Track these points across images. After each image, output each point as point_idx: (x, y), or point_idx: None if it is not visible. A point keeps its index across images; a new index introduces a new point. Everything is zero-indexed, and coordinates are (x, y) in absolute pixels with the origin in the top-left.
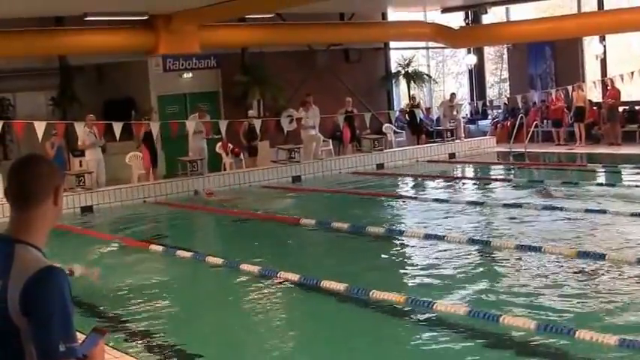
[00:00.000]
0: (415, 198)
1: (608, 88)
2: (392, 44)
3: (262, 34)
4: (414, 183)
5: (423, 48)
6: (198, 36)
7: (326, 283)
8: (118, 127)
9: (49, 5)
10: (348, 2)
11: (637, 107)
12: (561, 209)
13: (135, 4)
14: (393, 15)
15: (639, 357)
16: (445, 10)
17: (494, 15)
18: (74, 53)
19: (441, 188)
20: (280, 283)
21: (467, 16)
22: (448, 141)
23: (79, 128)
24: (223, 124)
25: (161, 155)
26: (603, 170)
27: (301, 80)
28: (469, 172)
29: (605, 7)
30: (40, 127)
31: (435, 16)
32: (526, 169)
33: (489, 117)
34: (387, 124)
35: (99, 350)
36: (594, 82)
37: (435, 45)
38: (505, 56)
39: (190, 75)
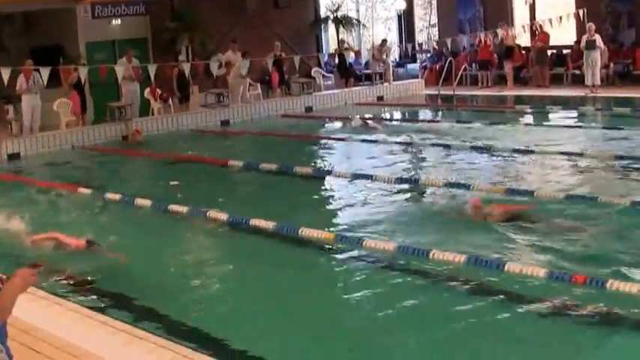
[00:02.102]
0: (343, 139)
1: (537, 32)
2: None
3: None
4: (342, 125)
5: None
6: None
7: (255, 222)
8: (45, 73)
9: None
10: None
11: (565, 51)
12: (488, 149)
13: None
14: None
15: (567, 289)
16: None
17: None
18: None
19: (369, 129)
20: (209, 222)
21: None
22: (377, 84)
23: (6, 75)
24: (152, 68)
25: (90, 101)
26: (531, 111)
27: (230, 26)
28: (397, 114)
29: None
30: None
31: None
32: (454, 111)
33: (418, 61)
34: (315, 68)
35: (19, 279)
36: (523, 27)
37: None
38: (434, 1)
39: (119, 22)
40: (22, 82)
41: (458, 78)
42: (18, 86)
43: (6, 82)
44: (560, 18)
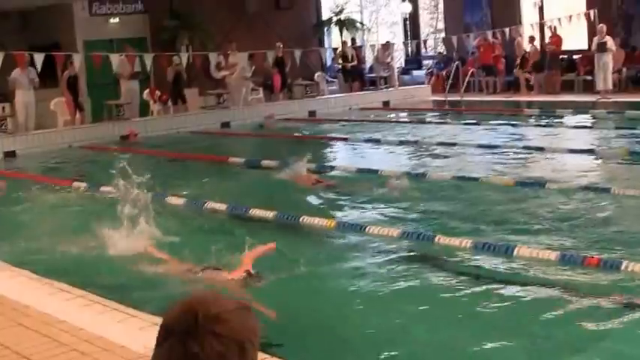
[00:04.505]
0: (346, 139)
1: (550, 35)
2: None
3: None
4: (346, 127)
5: None
6: None
7: (255, 212)
8: (39, 59)
9: None
10: None
11: (575, 56)
12: (497, 147)
13: None
14: None
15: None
16: None
17: None
18: None
19: (374, 131)
20: (209, 213)
21: None
22: (382, 89)
23: None
24: (149, 59)
25: (87, 101)
26: (541, 115)
27: (231, 26)
28: (403, 117)
29: None
30: None
31: None
32: (461, 114)
33: (424, 68)
34: (318, 72)
35: None
36: (532, 25)
37: None
38: (440, 5)
39: (117, 20)
40: (16, 75)
41: (465, 83)
42: (12, 79)
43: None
44: (570, 17)
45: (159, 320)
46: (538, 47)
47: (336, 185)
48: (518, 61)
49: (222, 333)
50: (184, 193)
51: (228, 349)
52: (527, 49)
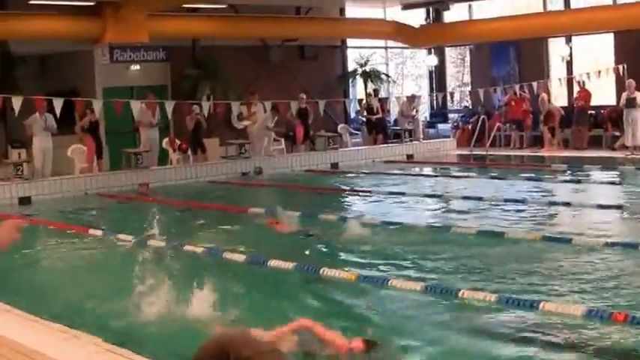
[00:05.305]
0: (370, 192)
1: (579, 89)
2: (349, 42)
3: (213, 26)
4: (369, 180)
5: (381, 47)
6: (147, 25)
7: (273, 262)
8: (58, 105)
9: None
10: None
11: (603, 111)
12: (523, 202)
13: None
14: (352, 11)
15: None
16: (406, 7)
17: (456, 13)
18: (16, 38)
19: (397, 184)
20: (227, 263)
21: (428, 14)
22: (406, 141)
23: (17, 104)
24: (169, 106)
25: (106, 149)
26: (568, 170)
27: (254, 76)
28: (427, 171)
29: (572, 6)
30: None
31: (395, 13)
32: (487, 169)
33: (449, 121)
34: (342, 124)
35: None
36: (560, 80)
37: (394, 45)
38: (467, 59)
39: (138, 67)
40: (34, 120)
41: (491, 138)
42: (29, 124)
43: (17, 112)
44: (599, 72)
45: None
46: (555, 103)
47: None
48: (542, 117)
49: None
50: (200, 241)
51: None
52: (551, 105)
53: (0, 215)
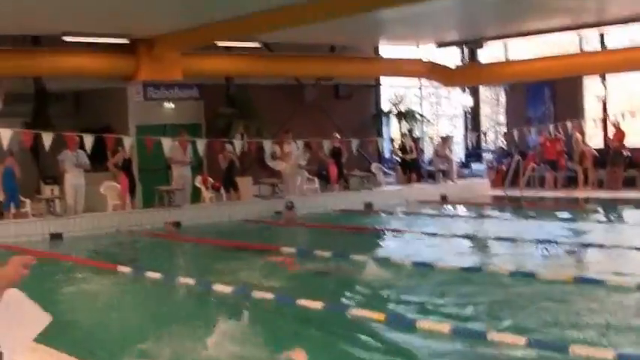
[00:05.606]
0: (404, 232)
1: (614, 130)
2: (384, 81)
3: (247, 65)
4: (402, 220)
5: (416, 87)
6: (181, 63)
7: (302, 302)
8: (89, 141)
9: (25, 23)
10: (338, 33)
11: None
12: (556, 243)
13: (115, 25)
14: (386, 48)
15: None
16: (440, 45)
17: (490, 52)
18: (50, 75)
19: (431, 225)
20: (255, 302)
21: (462, 52)
22: (440, 182)
23: (47, 140)
24: (202, 144)
25: (138, 186)
26: (603, 211)
27: (288, 115)
28: (462, 212)
29: (608, 46)
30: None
31: (429, 51)
32: (521, 209)
33: (484, 161)
34: (375, 164)
35: (11, 267)
36: (594, 121)
37: (427, 84)
38: (502, 99)
39: (172, 105)
40: (66, 157)
41: (526, 178)
42: (61, 160)
43: (47, 148)
44: (634, 113)
45: None
46: (590, 144)
47: (385, 278)
48: (577, 157)
49: None
50: (229, 280)
51: None
52: (584, 146)
53: (25, 251)
